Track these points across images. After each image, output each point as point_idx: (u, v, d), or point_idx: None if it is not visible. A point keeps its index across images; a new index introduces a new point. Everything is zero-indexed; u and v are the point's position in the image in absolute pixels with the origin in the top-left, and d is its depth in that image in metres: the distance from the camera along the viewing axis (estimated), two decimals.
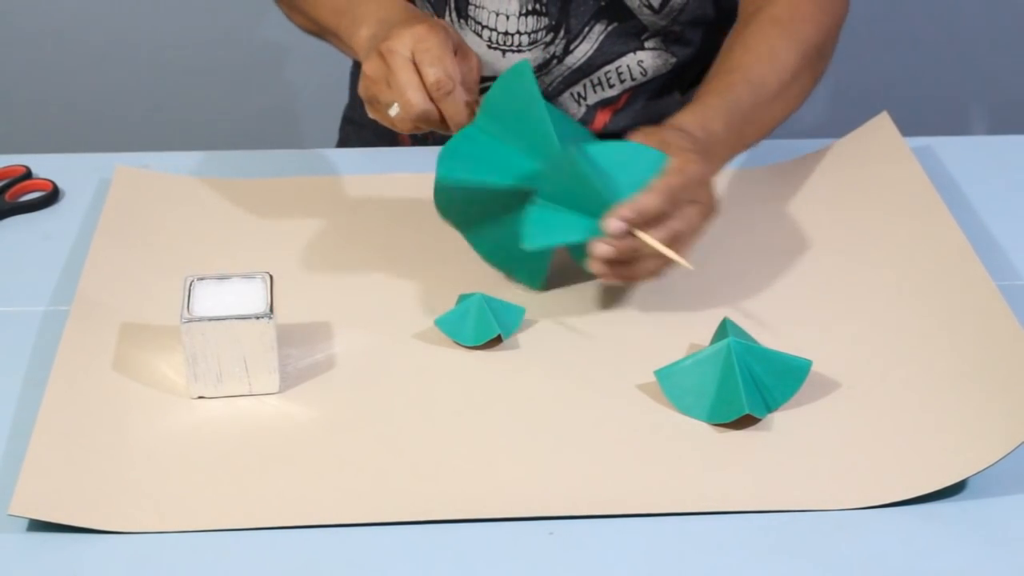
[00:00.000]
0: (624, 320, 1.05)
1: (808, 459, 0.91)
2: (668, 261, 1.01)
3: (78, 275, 1.08)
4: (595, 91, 1.34)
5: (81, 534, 0.85)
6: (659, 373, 0.96)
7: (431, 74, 1.03)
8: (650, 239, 0.98)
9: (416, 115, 1.04)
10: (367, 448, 0.92)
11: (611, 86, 1.34)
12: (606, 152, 1.01)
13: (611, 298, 1.08)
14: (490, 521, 0.87)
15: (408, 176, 1.22)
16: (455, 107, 1.04)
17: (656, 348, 1.00)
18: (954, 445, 0.91)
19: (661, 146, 1.02)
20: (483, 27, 1.31)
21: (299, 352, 1.01)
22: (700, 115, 1.10)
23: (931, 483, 0.88)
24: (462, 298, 1.03)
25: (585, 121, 1.34)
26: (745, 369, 0.94)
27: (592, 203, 0.99)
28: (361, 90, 1.08)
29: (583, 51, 1.31)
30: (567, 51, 1.31)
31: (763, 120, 1.17)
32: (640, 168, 1.00)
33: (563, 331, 1.04)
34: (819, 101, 2.26)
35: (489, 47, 1.31)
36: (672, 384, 0.96)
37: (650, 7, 1.29)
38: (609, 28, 1.30)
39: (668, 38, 1.33)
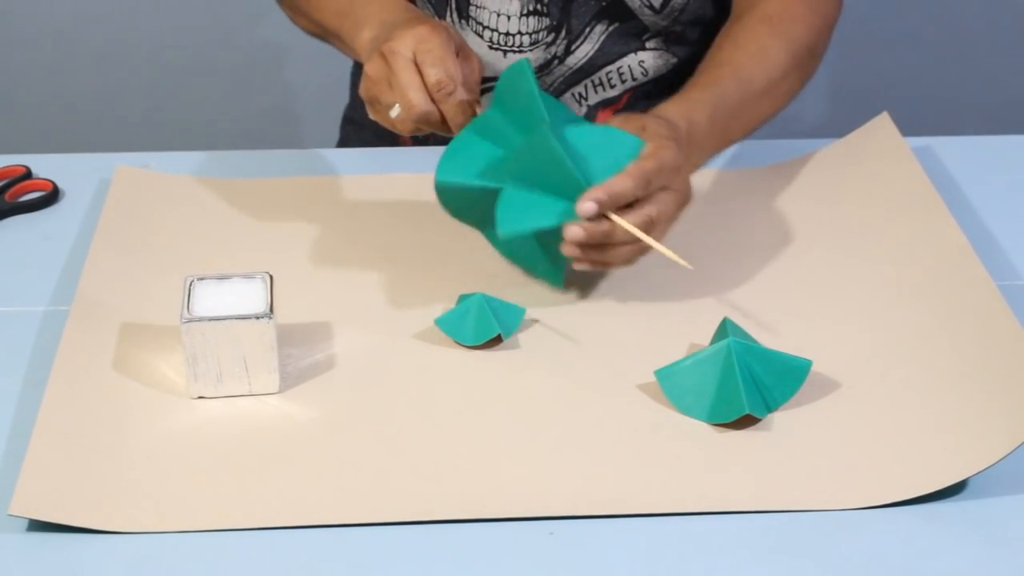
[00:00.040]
0: (624, 320, 1.05)
1: (808, 459, 0.91)
2: (642, 248, 1.01)
3: (78, 275, 1.08)
4: (596, 91, 1.34)
5: (81, 534, 0.85)
6: (659, 373, 0.96)
7: (432, 75, 1.03)
8: (623, 222, 0.98)
9: (417, 116, 1.04)
10: (367, 448, 0.92)
11: (612, 86, 1.34)
12: (583, 135, 1.01)
13: (611, 298, 1.08)
14: (490, 521, 0.87)
15: (408, 176, 1.22)
16: (456, 108, 1.04)
17: (656, 348, 1.00)
18: (954, 445, 0.91)
19: (639, 131, 1.02)
20: (484, 27, 1.31)
21: (299, 352, 1.01)
22: (684, 106, 1.11)
23: (931, 483, 0.88)
24: (462, 298, 1.03)
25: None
26: (745, 369, 0.94)
27: (566, 186, 0.99)
28: (362, 91, 1.08)
29: (584, 51, 1.31)
30: (568, 51, 1.31)
31: (749, 116, 1.18)
32: (616, 152, 1.01)
33: (563, 331, 1.04)
34: (819, 101, 2.26)
35: (490, 47, 1.31)
36: (672, 384, 0.96)
37: (651, 7, 1.29)
38: (610, 28, 1.31)
39: (669, 38, 1.33)
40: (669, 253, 0.99)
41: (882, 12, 2.19)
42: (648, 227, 1.00)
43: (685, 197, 1.03)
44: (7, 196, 1.21)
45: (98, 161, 1.26)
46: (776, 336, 1.01)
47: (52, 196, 1.21)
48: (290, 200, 1.20)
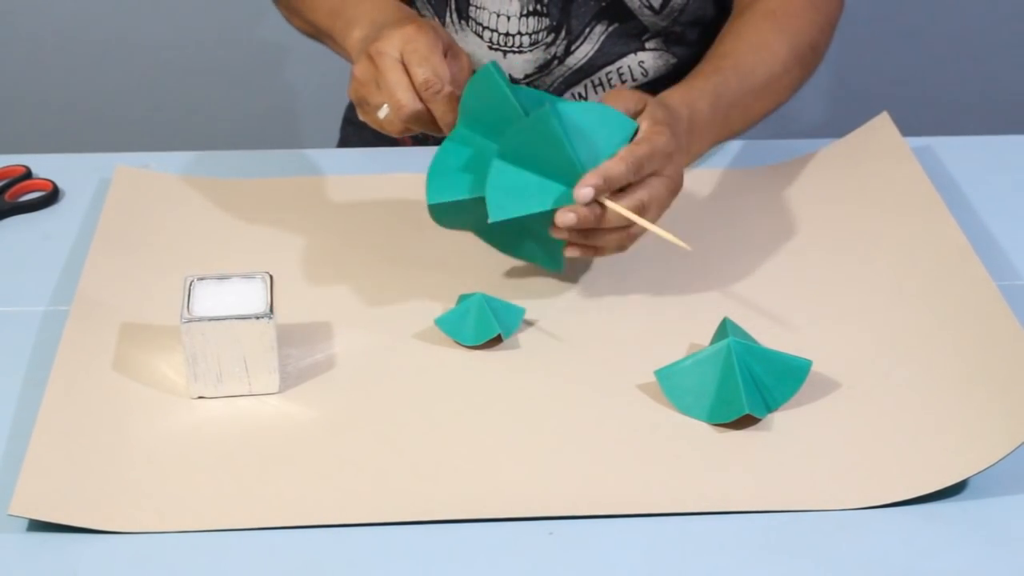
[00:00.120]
0: (624, 320, 1.05)
1: (808, 459, 0.91)
2: (632, 234, 1.02)
3: (78, 275, 1.08)
4: (596, 92, 1.34)
5: (81, 534, 0.85)
6: (659, 373, 0.96)
7: (420, 74, 1.03)
8: (617, 206, 0.98)
9: (406, 116, 1.04)
10: (367, 448, 0.92)
11: (612, 87, 1.34)
12: (577, 115, 1.01)
13: (611, 298, 1.08)
14: (490, 521, 0.87)
15: (408, 176, 1.22)
16: (445, 107, 1.03)
17: (656, 348, 1.00)
18: (954, 445, 0.91)
19: (637, 108, 1.02)
20: (484, 28, 1.31)
21: (299, 352, 1.01)
22: (687, 94, 1.11)
23: (932, 483, 0.88)
24: (462, 298, 1.03)
25: None
26: (745, 369, 0.94)
27: (561, 170, 0.99)
28: (351, 93, 1.08)
29: (584, 52, 1.31)
30: (568, 52, 1.31)
31: (750, 108, 1.18)
32: (609, 134, 1.00)
33: (563, 331, 1.04)
34: (819, 101, 2.26)
35: (490, 48, 1.31)
36: (672, 384, 0.96)
37: (651, 8, 1.29)
38: (610, 29, 1.31)
39: (669, 39, 1.33)
40: (665, 234, 0.99)
41: (882, 12, 2.19)
42: (640, 212, 1.00)
43: (677, 184, 1.03)
44: (7, 196, 1.20)
45: (98, 161, 1.26)
46: (776, 336, 1.01)
47: (52, 196, 1.21)
48: (290, 200, 1.20)
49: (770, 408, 0.95)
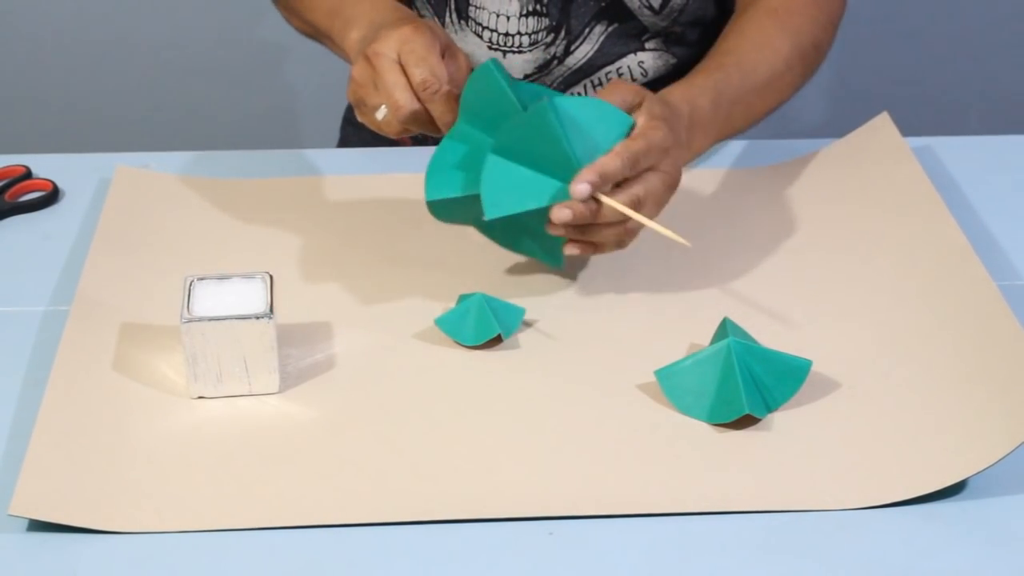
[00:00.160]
0: (624, 320, 1.05)
1: (808, 459, 0.91)
2: (629, 230, 1.01)
3: (78, 275, 1.08)
4: (595, 92, 1.34)
5: (81, 534, 0.85)
6: (659, 373, 0.96)
7: (417, 74, 1.03)
8: (612, 202, 0.98)
9: (404, 116, 1.04)
10: (367, 448, 0.92)
11: None
12: (573, 110, 1.01)
13: (611, 297, 1.08)
14: (490, 521, 0.87)
15: (408, 176, 1.22)
16: (443, 107, 1.03)
17: (656, 348, 1.00)
18: (954, 445, 0.91)
19: (635, 103, 1.02)
20: (483, 28, 1.31)
21: (299, 352, 1.01)
22: (688, 91, 1.12)
23: (932, 483, 0.88)
24: (462, 298, 1.03)
25: None
26: (745, 369, 0.94)
27: (557, 165, 0.99)
28: (349, 94, 1.08)
29: (584, 52, 1.31)
30: (568, 52, 1.31)
31: (752, 105, 1.18)
32: (606, 129, 1.00)
33: (563, 331, 1.04)
34: (819, 101, 2.26)
35: (490, 48, 1.31)
36: (672, 384, 0.96)
37: (650, 8, 1.29)
38: (610, 29, 1.31)
39: (669, 39, 1.33)
40: (663, 229, 0.99)
41: (882, 12, 2.20)
42: (635, 207, 1.00)
43: (674, 179, 1.03)
44: (7, 196, 1.21)
45: (98, 161, 1.26)
46: (776, 336, 1.01)
47: (52, 196, 1.21)
48: (290, 200, 1.20)
49: (770, 408, 0.95)
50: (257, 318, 0.94)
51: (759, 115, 1.20)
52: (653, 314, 1.06)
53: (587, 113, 1.01)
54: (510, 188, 1.00)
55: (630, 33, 1.31)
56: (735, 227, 1.16)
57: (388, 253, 1.13)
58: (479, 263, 1.10)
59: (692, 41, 1.34)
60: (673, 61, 1.34)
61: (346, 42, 1.15)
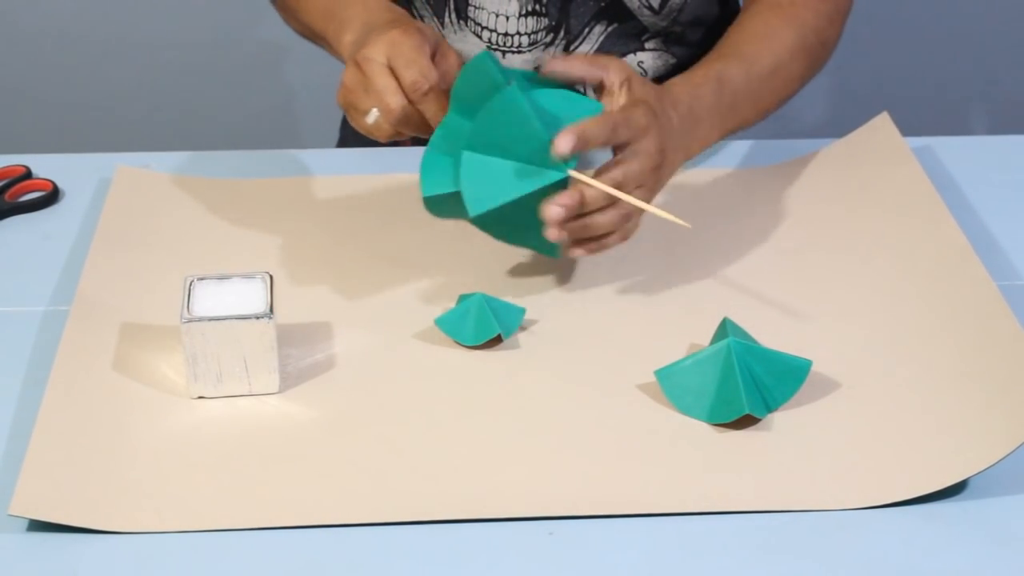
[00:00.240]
0: (624, 320, 1.05)
1: (808, 459, 0.91)
2: (624, 215, 1.01)
3: (78, 275, 1.08)
4: (594, 92, 1.33)
5: (81, 534, 0.85)
6: (659, 373, 0.96)
7: (407, 76, 1.03)
8: (585, 178, 0.99)
9: (395, 119, 1.04)
10: (367, 448, 0.92)
11: None
12: (542, 99, 1.01)
13: (611, 298, 1.08)
14: (490, 521, 0.87)
15: (408, 176, 1.22)
16: (435, 107, 1.03)
17: (656, 348, 1.00)
18: (955, 445, 0.91)
19: (620, 75, 1.03)
20: (483, 28, 1.31)
21: (299, 352, 1.01)
22: (688, 80, 1.12)
23: (932, 483, 0.88)
24: (462, 298, 1.03)
25: None
26: (745, 369, 0.94)
27: (531, 147, 0.99)
28: (339, 99, 1.08)
29: (583, 52, 1.31)
30: (567, 52, 1.31)
31: (758, 95, 1.18)
32: (577, 115, 1.00)
33: (563, 331, 1.04)
34: (819, 101, 2.26)
35: (489, 48, 1.31)
36: (672, 384, 0.96)
37: (650, 8, 1.29)
38: (609, 29, 1.30)
39: (668, 39, 1.33)
40: (655, 210, 0.99)
41: (883, 12, 2.20)
42: (619, 188, 1.00)
43: (655, 161, 1.03)
44: (7, 196, 1.21)
45: (98, 161, 1.26)
46: (776, 336, 1.01)
47: (52, 196, 1.21)
48: (290, 200, 1.20)
49: (770, 408, 0.95)
50: (257, 318, 0.94)
51: (767, 106, 1.19)
52: (653, 314, 1.06)
53: (558, 102, 1.01)
54: (490, 181, 1.00)
55: (630, 33, 1.31)
56: (735, 227, 1.16)
57: (388, 253, 1.13)
58: (479, 263, 1.10)
59: (692, 41, 1.34)
60: (673, 61, 1.34)
61: (340, 45, 1.15)
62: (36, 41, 2.19)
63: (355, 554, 0.84)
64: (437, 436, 0.93)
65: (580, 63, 1.06)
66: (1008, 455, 0.89)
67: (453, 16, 1.32)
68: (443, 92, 1.03)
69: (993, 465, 0.88)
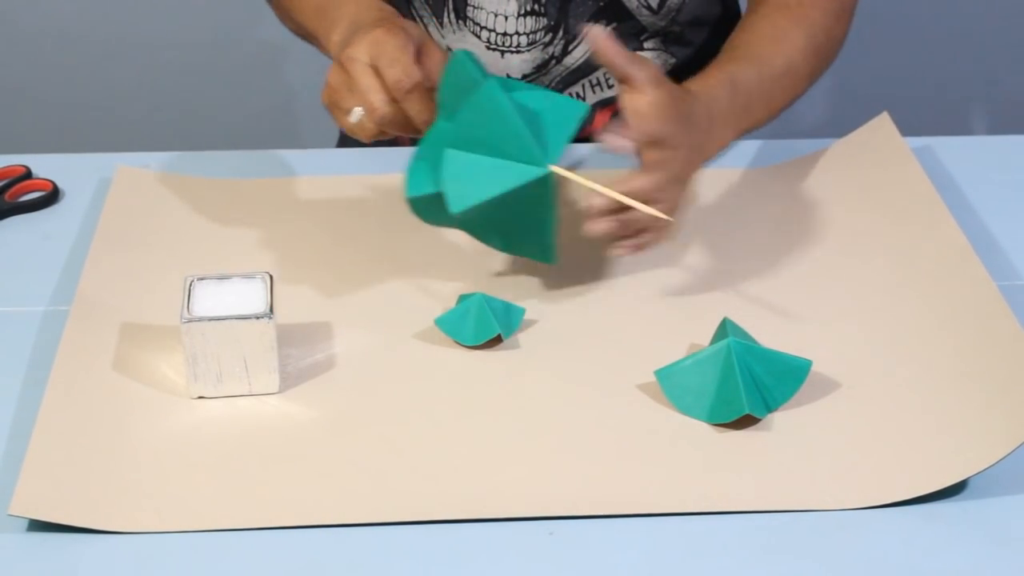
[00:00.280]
0: (624, 320, 1.05)
1: (808, 459, 0.91)
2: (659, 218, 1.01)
3: (78, 275, 1.08)
4: (594, 91, 1.34)
5: (81, 534, 0.85)
6: (659, 373, 0.96)
7: (390, 75, 1.03)
8: (578, 177, 0.99)
9: (380, 118, 1.04)
10: (367, 448, 0.92)
11: (610, 86, 1.34)
12: (524, 98, 1.01)
13: (611, 298, 1.08)
14: (490, 521, 0.87)
15: None
16: (419, 105, 1.03)
17: (656, 348, 1.00)
18: (955, 445, 0.91)
19: (650, 70, 1.02)
20: (481, 28, 1.31)
21: (299, 352, 1.01)
22: (703, 84, 1.11)
23: (931, 483, 0.88)
24: (462, 298, 1.03)
25: (585, 122, 1.34)
26: (745, 369, 0.94)
27: (512, 143, 0.98)
28: (324, 98, 1.08)
29: (582, 51, 1.31)
30: (566, 51, 1.31)
31: (771, 95, 1.17)
32: (560, 115, 1.00)
33: (563, 331, 1.04)
34: (819, 101, 2.26)
35: (488, 48, 1.31)
36: (672, 384, 0.96)
37: (648, 7, 1.29)
38: (608, 28, 1.30)
39: (667, 39, 1.33)
40: (642, 207, 0.99)
41: (883, 12, 2.19)
42: (644, 198, 1.01)
43: (683, 174, 1.04)
44: (7, 196, 1.20)
45: (98, 161, 1.26)
46: (776, 336, 1.01)
47: (52, 196, 1.21)
48: (290, 200, 1.20)
49: (770, 408, 0.95)
50: (257, 318, 0.94)
51: (779, 106, 1.19)
52: (653, 314, 1.06)
53: (539, 100, 1.01)
54: (471, 178, 0.99)
55: (628, 33, 1.31)
56: (735, 227, 1.16)
57: (388, 253, 1.13)
58: (479, 263, 1.10)
59: (691, 41, 1.34)
60: (672, 61, 1.34)
61: (330, 43, 1.15)
62: (36, 41, 2.19)
63: (355, 554, 0.84)
64: (437, 436, 0.93)
65: (617, 48, 1.03)
66: (1008, 455, 0.89)
67: (452, 16, 1.31)
68: (427, 90, 1.03)
69: (993, 465, 0.88)
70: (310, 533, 0.86)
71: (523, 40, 1.31)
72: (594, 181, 1.00)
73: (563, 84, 1.33)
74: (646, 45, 1.32)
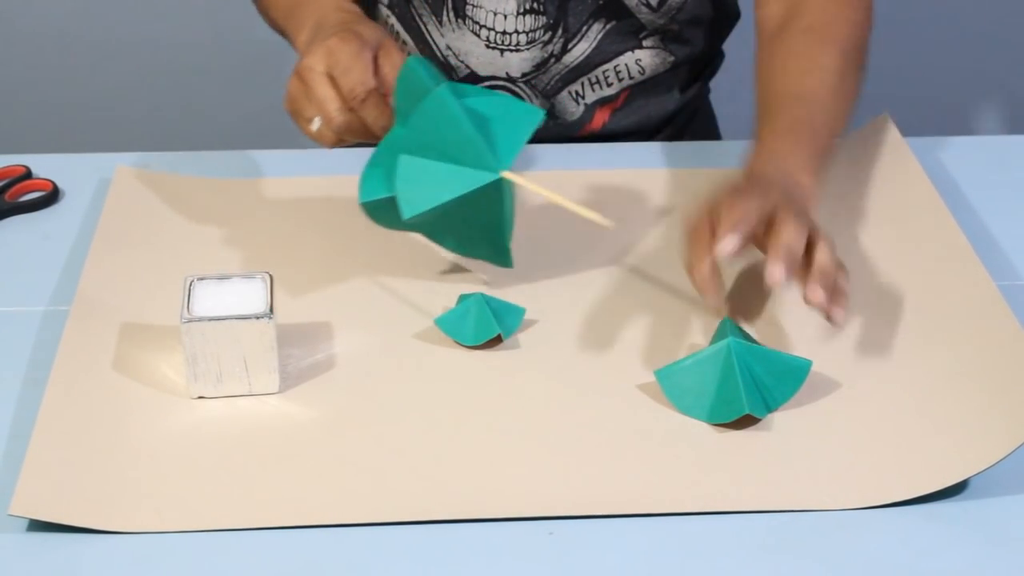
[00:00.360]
0: (624, 320, 1.05)
1: (808, 459, 0.91)
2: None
3: (78, 275, 1.08)
4: (593, 90, 1.34)
5: (81, 534, 0.85)
6: (659, 373, 0.96)
7: (344, 84, 1.04)
8: (530, 184, 0.99)
9: (338, 126, 1.04)
10: (367, 448, 0.92)
11: (609, 85, 1.34)
12: (477, 104, 1.00)
13: (611, 298, 1.07)
14: (490, 521, 0.87)
15: None
16: (375, 112, 1.04)
17: (656, 348, 1.00)
18: (955, 445, 0.91)
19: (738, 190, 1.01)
20: (481, 26, 1.31)
21: (299, 352, 1.00)
22: (760, 151, 1.09)
23: (931, 483, 0.88)
24: (462, 298, 1.03)
25: (584, 120, 1.35)
26: (745, 369, 0.94)
27: (463, 148, 0.98)
28: (285, 106, 1.09)
29: (581, 50, 1.31)
30: (565, 50, 1.31)
31: (829, 124, 1.14)
32: (512, 120, 1.00)
33: (563, 331, 1.04)
34: None
35: (487, 47, 1.31)
36: (672, 384, 0.96)
37: (648, 5, 1.29)
38: (607, 27, 1.30)
39: (667, 36, 1.33)
40: (583, 211, 0.99)
41: (883, 12, 2.19)
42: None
43: (787, 203, 1.00)
44: (7, 196, 1.20)
45: (98, 161, 1.26)
46: (776, 336, 1.01)
47: (52, 196, 1.21)
48: (290, 200, 1.20)
49: (770, 408, 0.95)
50: (257, 318, 0.94)
51: (842, 126, 1.16)
52: (653, 314, 1.06)
53: (491, 105, 1.01)
54: (423, 184, 0.99)
55: (628, 31, 1.31)
56: None
57: (388, 253, 1.12)
58: (479, 263, 1.10)
59: (690, 39, 1.34)
60: (671, 59, 1.34)
61: (298, 44, 1.17)
62: (36, 41, 2.19)
63: (355, 554, 0.84)
64: (437, 436, 0.93)
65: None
66: (1008, 455, 0.89)
67: (451, 15, 1.32)
68: (382, 97, 1.04)
69: (993, 465, 0.88)
70: (310, 533, 0.86)
71: (522, 38, 1.31)
72: (544, 185, 1.00)
73: (562, 82, 1.33)
74: (645, 43, 1.32)
